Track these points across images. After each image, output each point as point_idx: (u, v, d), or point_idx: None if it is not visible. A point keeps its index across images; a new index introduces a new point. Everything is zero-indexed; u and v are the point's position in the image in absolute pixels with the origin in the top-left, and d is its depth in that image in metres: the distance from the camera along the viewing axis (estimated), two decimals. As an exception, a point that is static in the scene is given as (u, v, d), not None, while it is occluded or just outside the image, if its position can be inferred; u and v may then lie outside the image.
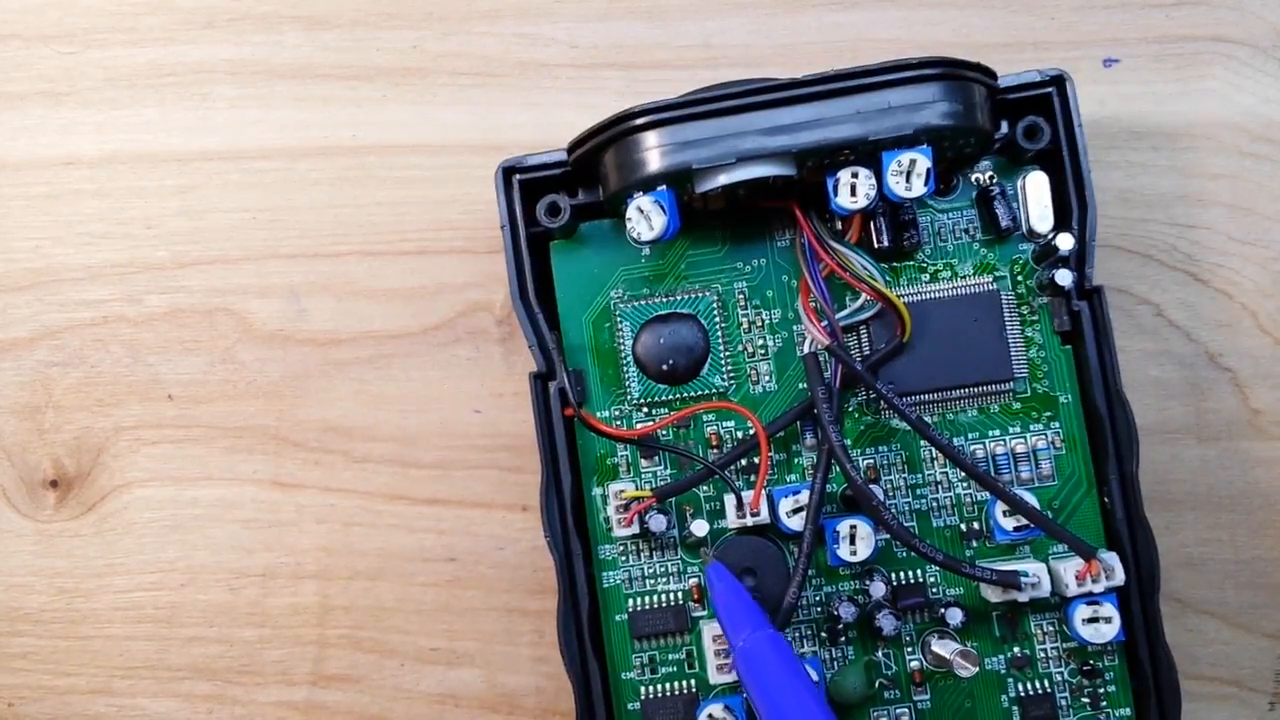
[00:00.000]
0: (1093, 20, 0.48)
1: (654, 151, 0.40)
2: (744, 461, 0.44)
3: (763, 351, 0.45)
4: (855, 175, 0.40)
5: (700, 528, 0.43)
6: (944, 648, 0.42)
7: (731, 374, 0.45)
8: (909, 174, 0.40)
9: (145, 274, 0.50)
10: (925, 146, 0.40)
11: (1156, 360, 0.47)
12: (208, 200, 0.50)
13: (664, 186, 0.41)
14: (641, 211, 0.41)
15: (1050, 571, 0.42)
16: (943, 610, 0.42)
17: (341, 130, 0.50)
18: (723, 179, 0.40)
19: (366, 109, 0.50)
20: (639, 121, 0.40)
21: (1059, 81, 0.43)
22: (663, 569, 0.44)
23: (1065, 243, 0.42)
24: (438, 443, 0.48)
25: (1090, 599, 0.41)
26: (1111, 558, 0.41)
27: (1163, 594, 0.46)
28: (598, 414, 0.44)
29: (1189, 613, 0.46)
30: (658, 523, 0.43)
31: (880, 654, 0.44)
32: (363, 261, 0.49)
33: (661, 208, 0.41)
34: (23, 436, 0.49)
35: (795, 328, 0.45)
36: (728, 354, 0.45)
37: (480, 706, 0.48)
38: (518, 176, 0.44)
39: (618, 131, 0.41)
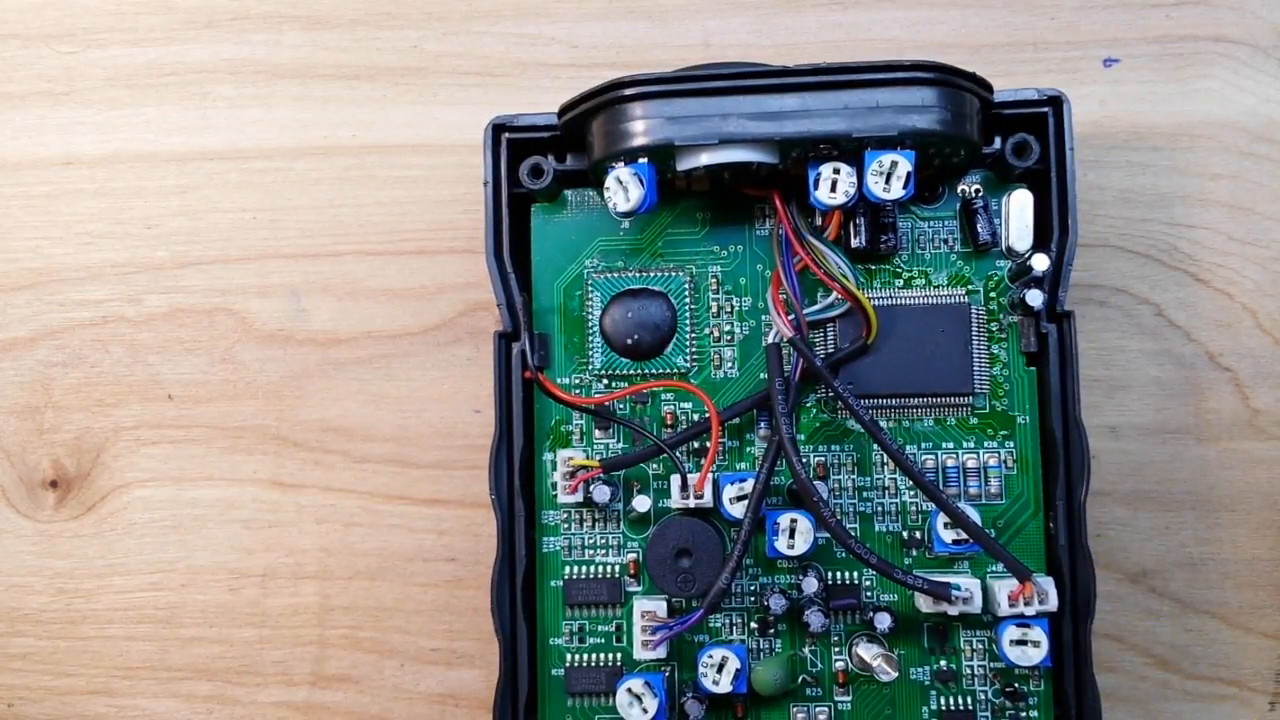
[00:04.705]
0: (1093, 20, 0.48)
1: (638, 123, 0.40)
2: (696, 444, 0.44)
3: (728, 337, 0.45)
4: (837, 171, 0.40)
5: (643, 503, 0.43)
6: (868, 651, 0.42)
7: (695, 356, 0.45)
8: (889, 176, 0.40)
9: (145, 274, 0.50)
10: (909, 150, 0.40)
11: (1156, 360, 0.47)
12: (207, 200, 0.50)
13: (644, 160, 0.41)
14: (620, 182, 0.41)
15: (985, 588, 0.42)
16: (872, 614, 0.42)
17: (341, 130, 0.50)
18: (705, 159, 0.40)
19: (366, 109, 0.50)
20: (627, 92, 0.40)
21: (1056, 102, 0.43)
22: (603, 540, 0.44)
23: (1040, 263, 0.42)
24: (438, 443, 0.48)
25: (1021, 621, 0.41)
26: (1047, 582, 0.41)
27: (1163, 594, 0.46)
28: (558, 380, 0.45)
29: (1189, 613, 0.46)
30: (601, 493, 0.43)
31: (807, 650, 0.44)
32: (363, 261, 0.49)
33: (640, 180, 0.41)
34: (23, 436, 0.50)
35: (764, 317, 0.45)
36: (693, 335, 0.45)
37: (480, 706, 0.48)
38: (506, 134, 0.44)
39: (606, 99, 0.41)
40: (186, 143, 0.50)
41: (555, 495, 0.44)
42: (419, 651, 0.48)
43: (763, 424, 0.44)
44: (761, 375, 0.44)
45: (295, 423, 0.49)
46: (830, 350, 0.44)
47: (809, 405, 0.44)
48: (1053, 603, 0.41)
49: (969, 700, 0.43)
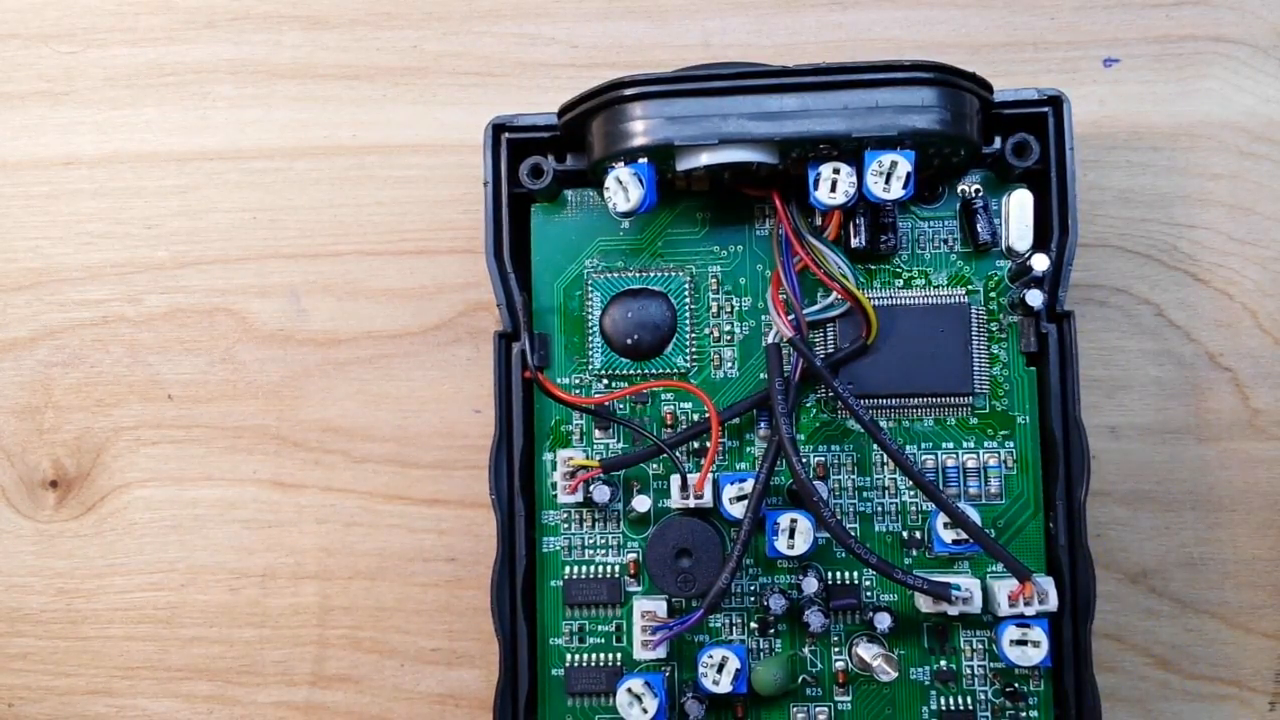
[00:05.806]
0: (1093, 20, 0.48)
1: (638, 123, 0.40)
2: (696, 444, 0.44)
3: (729, 337, 0.45)
4: (837, 171, 0.40)
5: (642, 503, 0.43)
6: (867, 651, 0.42)
7: (695, 356, 0.45)
8: (889, 176, 0.40)
9: (145, 274, 0.50)
10: (909, 150, 0.40)
11: (1156, 360, 0.47)
12: (207, 200, 0.50)
13: (644, 160, 0.41)
14: (620, 182, 0.41)
15: (985, 588, 0.42)
16: (872, 614, 0.42)
17: (341, 130, 0.50)
18: (705, 159, 0.40)
19: (366, 109, 0.50)
20: (627, 92, 0.40)
21: (1056, 102, 0.43)
22: (603, 540, 0.44)
23: (1040, 264, 0.42)
24: (438, 443, 0.48)
25: (1021, 621, 0.41)
26: (1047, 582, 0.41)
27: (1163, 594, 0.46)
28: (558, 380, 0.45)
29: (1189, 613, 0.46)
30: (601, 493, 0.43)
31: (807, 650, 0.44)
32: (363, 261, 0.49)
33: (640, 180, 0.41)
34: (23, 436, 0.50)
35: (764, 317, 0.45)
36: (693, 335, 0.45)
37: (480, 706, 0.48)
38: (506, 135, 0.44)
39: (606, 99, 0.41)
40: (186, 143, 0.50)
41: (555, 495, 0.44)
42: (419, 651, 0.48)
43: (763, 424, 0.44)
44: (761, 375, 0.44)
45: (295, 423, 0.49)
46: (830, 350, 0.44)
47: (809, 405, 0.44)
48: (1053, 603, 0.41)
49: (969, 700, 0.43)
